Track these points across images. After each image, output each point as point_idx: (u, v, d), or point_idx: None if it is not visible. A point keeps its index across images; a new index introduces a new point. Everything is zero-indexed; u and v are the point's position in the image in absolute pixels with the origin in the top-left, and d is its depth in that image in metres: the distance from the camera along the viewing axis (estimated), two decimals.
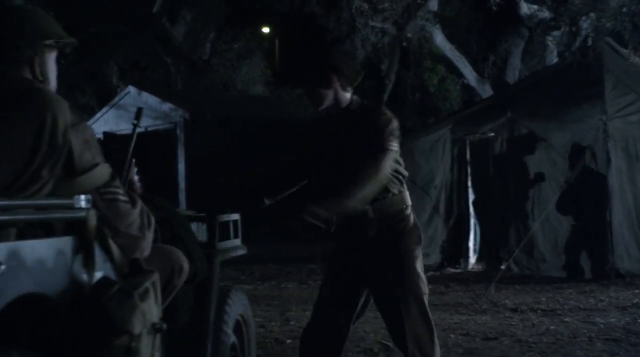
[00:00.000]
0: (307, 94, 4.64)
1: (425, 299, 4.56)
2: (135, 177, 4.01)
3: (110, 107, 20.56)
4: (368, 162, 4.37)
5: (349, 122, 4.57)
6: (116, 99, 20.90)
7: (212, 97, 22.48)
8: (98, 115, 20.74)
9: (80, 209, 2.83)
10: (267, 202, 4.61)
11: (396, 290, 4.50)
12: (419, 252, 4.61)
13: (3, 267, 2.37)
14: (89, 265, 2.83)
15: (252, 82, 27.02)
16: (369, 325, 8.22)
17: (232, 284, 4.95)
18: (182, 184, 19.14)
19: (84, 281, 2.81)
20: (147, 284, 2.86)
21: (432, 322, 4.58)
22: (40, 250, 2.62)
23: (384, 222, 4.55)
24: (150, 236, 3.23)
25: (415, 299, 4.51)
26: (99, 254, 2.91)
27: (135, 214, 3.17)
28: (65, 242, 2.77)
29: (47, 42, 3.16)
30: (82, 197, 2.84)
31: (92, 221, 2.85)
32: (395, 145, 4.47)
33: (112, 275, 2.96)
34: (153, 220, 3.27)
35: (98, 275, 2.88)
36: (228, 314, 4.53)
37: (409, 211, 4.65)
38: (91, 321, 2.69)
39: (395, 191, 4.58)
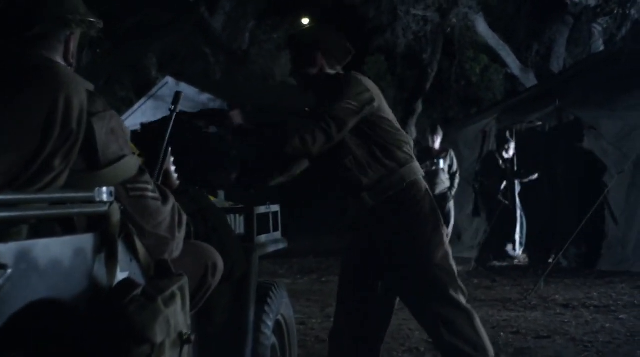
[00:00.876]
0: (294, 77, 4.43)
1: (454, 293, 4.13)
2: (172, 168, 3.71)
3: (148, 98, 20.37)
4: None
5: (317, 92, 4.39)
6: (154, 89, 20.71)
7: (251, 88, 22.21)
8: (136, 106, 20.57)
9: (102, 203, 2.53)
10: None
11: (419, 290, 4.15)
12: (440, 240, 4.16)
13: (9, 270, 2.06)
14: (111, 265, 2.53)
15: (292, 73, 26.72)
16: (414, 322, 7.89)
17: (273, 280, 4.60)
18: None
19: (105, 282, 2.51)
20: (174, 288, 2.55)
21: (468, 308, 4.18)
22: (56, 249, 2.32)
23: (391, 208, 4.15)
24: (181, 236, 2.92)
25: (438, 294, 4.12)
26: (122, 253, 2.61)
27: (165, 213, 2.86)
28: (85, 240, 2.48)
29: (77, 19, 2.86)
30: (104, 189, 2.54)
31: (115, 216, 2.55)
32: (340, 107, 4.15)
33: (137, 276, 2.66)
34: (185, 218, 2.96)
35: (122, 276, 2.58)
36: (268, 314, 4.22)
37: (418, 188, 4.22)
38: (109, 326, 2.38)
39: (388, 167, 4.18)
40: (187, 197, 3.64)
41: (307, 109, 4.34)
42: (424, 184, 4.27)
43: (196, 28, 24.25)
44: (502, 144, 12.95)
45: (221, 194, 4.83)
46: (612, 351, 6.85)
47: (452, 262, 4.21)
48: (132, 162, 2.78)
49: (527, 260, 12.92)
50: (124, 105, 22.96)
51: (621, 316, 8.35)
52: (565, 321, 8.20)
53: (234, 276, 3.83)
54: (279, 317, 4.49)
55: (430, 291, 4.12)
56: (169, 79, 20.75)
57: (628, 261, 11.40)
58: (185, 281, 2.63)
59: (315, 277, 12.26)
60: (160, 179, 3.48)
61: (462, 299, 4.15)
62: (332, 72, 4.36)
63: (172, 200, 2.90)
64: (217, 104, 19.41)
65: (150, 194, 2.81)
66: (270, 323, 4.22)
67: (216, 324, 3.80)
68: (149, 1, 22.57)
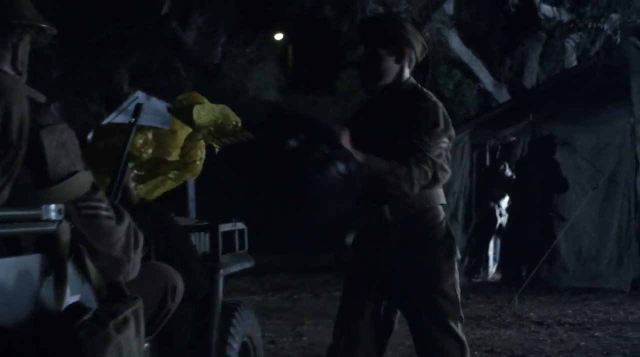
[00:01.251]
0: (371, 66, 4.06)
1: (454, 323, 3.98)
2: (132, 183, 3.54)
3: (119, 113, 20.11)
4: (401, 163, 3.84)
5: (396, 104, 4.04)
6: (124, 104, 20.42)
7: (223, 102, 22.01)
8: (105, 121, 20.28)
9: (50, 221, 2.35)
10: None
11: (420, 314, 3.98)
12: (450, 268, 4.00)
13: None
14: (60, 288, 2.35)
15: (265, 87, 26.59)
16: None
17: (239, 301, 4.43)
18: (191, 193, 18.66)
19: (54, 306, 2.33)
20: (128, 312, 2.37)
21: (463, 340, 4.03)
22: (0, 271, 2.15)
23: (406, 227, 3.98)
24: (137, 257, 2.74)
25: (440, 324, 3.97)
26: (73, 275, 2.43)
27: (120, 232, 2.68)
28: (32, 261, 2.31)
29: (23, 23, 2.68)
30: (53, 207, 2.37)
31: (65, 235, 2.38)
32: (434, 146, 3.90)
33: (89, 300, 2.48)
34: (142, 238, 2.78)
35: (72, 300, 2.40)
36: (233, 336, 4.05)
37: (437, 213, 4.05)
38: (57, 353, 2.20)
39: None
40: (148, 214, 3.47)
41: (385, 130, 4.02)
42: (443, 212, 4.13)
43: (168, 42, 24.07)
44: (500, 162, 12.91)
45: (192, 211, 4.72)
46: None
47: (458, 291, 4.07)
48: (84, 179, 2.61)
49: (500, 276, 12.80)
50: (94, 119, 22.68)
51: (596, 334, 8.25)
52: (540, 339, 8.08)
53: (197, 297, 3.66)
54: (245, 338, 4.31)
55: (432, 317, 3.98)
56: (140, 94, 20.45)
57: (602, 277, 11.32)
58: (139, 304, 2.45)
59: (286, 295, 12.09)
60: (120, 194, 3.30)
61: (460, 330, 4.03)
62: (411, 79, 4.14)
63: (127, 219, 2.73)
64: None
65: (103, 212, 2.63)
66: (235, 345, 4.05)
67: (178, 347, 3.62)
68: (119, 15, 22.36)
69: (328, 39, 23.78)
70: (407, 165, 3.82)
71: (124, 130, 3.89)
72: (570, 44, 18.71)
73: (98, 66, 23.29)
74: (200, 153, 4.81)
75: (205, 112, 4.60)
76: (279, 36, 29.91)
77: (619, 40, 13.68)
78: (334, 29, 22.22)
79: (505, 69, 21.68)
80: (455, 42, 20.28)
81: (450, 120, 4.04)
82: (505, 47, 22.67)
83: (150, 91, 20.86)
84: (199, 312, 3.81)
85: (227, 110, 4.72)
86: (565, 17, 18.14)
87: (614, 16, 15.63)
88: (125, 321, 2.36)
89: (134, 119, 3.55)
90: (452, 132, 4.03)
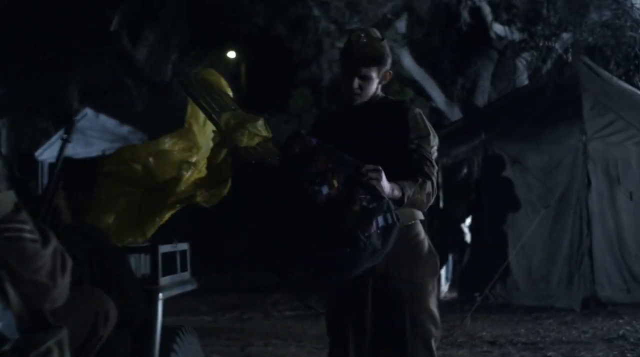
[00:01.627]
0: (363, 85, 3.98)
1: (434, 343, 3.89)
2: (63, 203, 3.36)
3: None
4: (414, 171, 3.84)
5: (377, 116, 4.00)
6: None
7: (173, 119, 21.81)
8: (53, 138, 20.00)
9: None
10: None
11: (402, 332, 3.84)
12: (433, 286, 3.94)
13: None
14: None
15: None
16: None
17: (180, 325, 4.24)
18: None
19: None
20: (51, 343, 2.21)
21: None
22: None
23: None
24: (64, 282, 2.56)
25: (423, 344, 3.85)
26: None
27: (45, 256, 2.49)
28: None
29: None
30: None
31: None
32: (431, 147, 3.96)
33: (9, 329, 2.30)
34: (70, 262, 2.60)
35: None
36: None
37: (419, 229, 3.97)
38: None
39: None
40: (81, 235, 3.29)
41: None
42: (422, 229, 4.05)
43: (118, 59, 23.83)
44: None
45: None
46: None
47: (437, 309, 3.98)
48: (5, 199, 2.43)
49: (453, 295, 12.70)
50: (43, 136, 22.37)
51: (549, 354, 8.18)
52: None
53: (135, 322, 3.48)
54: None
55: (416, 337, 3.86)
56: (88, 111, 20.25)
57: (552, 296, 11.27)
58: (64, 334, 2.28)
59: (236, 314, 11.91)
60: (49, 214, 3.12)
61: (435, 349, 3.93)
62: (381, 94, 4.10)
63: (53, 242, 2.55)
64: (137, 136, 18.99)
65: (27, 235, 2.45)
66: None
67: None
68: (69, 32, 22.10)
69: (281, 57, 23.69)
70: (428, 178, 3.85)
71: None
72: (522, 62, 18.78)
73: (47, 83, 23.00)
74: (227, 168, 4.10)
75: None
76: (231, 54, 29.76)
77: (570, 59, 13.74)
78: (287, 47, 22.14)
79: (457, 88, 21.73)
80: (407, 61, 20.27)
81: None
82: (457, 66, 22.72)
83: (98, 108, 20.63)
84: (137, 337, 3.62)
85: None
86: (517, 36, 18.19)
87: (566, 35, 15.69)
88: (48, 352, 2.19)
89: (66, 136, 3.37)
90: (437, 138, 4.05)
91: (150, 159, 4.25)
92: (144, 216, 3.98)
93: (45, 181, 19.55)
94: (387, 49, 4.07)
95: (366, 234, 3.50)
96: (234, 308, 12.47)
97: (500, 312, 10.93)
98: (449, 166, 12.84)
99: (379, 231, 3.54)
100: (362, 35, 4.01)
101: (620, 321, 9.92)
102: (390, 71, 4.07)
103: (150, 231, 4.05)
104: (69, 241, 2.92)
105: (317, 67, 21.71)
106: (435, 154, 4.00)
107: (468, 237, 12.85)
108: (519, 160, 11.74)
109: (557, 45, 16.03)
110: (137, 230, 3.96)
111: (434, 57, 23.02)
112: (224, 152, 4.00)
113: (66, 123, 3.49)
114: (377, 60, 3.99)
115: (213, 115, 4.02)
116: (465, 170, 12.76)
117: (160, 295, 3.83)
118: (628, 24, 14.39)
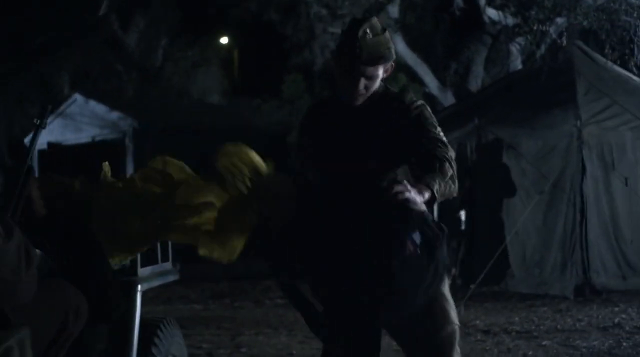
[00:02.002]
0: (367, 84, 3.69)
1: (457, 332, 3.72)
2: (37, 193, 3.18)
3: (56, 117, 19.67)
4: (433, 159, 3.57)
5: (381, 109, 3.75)
6: (62, 107, 20.00)
7: (164, 106, 21.63)
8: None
9: None
10: None
11: (425, 323, 3.64)
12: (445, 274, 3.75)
13: None
14: None
15: (209, 91, 26.23)
16: None
17: (162, 317, 4.08)
18: None
19: None
20: (12, 342, 2.05)
21: None
22: None
23: None
24: (30, 277, 2.40)
25: (448, 333, 3.67)
26: None
27: (8, 251, 2.34)
28: None
29: None
30: None
31: None
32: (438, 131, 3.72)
33: None
34: (36, 256, 2.44)
35: None
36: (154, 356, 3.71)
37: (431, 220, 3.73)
38: None
39: None
40: (56, 227, 3.12)
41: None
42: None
43: (108, 45, 23.65)
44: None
45: None
46: None
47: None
48: None
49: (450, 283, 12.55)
50: (33, 123, 22.18)
51: (544, 342, 8.03)
52: (487, 348, 7.84)
53: (113, 315, 3.32)
54: None
55: (440, 329, 3.68)
56: (78, 97, 20.10)
57: (546, 283, 11.14)
58: (26, 332, 2.12)
59: (227, 302, 11.79)
60: (21, 206, 2.95)
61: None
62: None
63: (17, 235, 2.39)
64: (127, 122, 18.82)
65: None
66: None
67: None
68: (59, 18, 21.90)
69: (272, 42, 23.52)
70: (445, 159, 3.58)
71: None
72: (515, 47, 18.64)
73: (37, 69, 22.84)
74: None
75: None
76: (223, 40, 29.57)
77: (564, 43, 13.60)
78: (279, 33, 21.96)
79: (450, 73, 21.59)
80: (400, 46, 20.06)
81: None
82: (450, 51, 22.58)
83: (90, 94, 20.47)
84: (115, 332, 3.46)
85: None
86: (511, 20, 18.03)
87: (560, 19, 15.53)
88: (8, 351, 2.04)
89: (39, 121, 3.20)
90: None
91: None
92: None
93: (36, 167, 19.40)
94: (391, 41, 3.79)
95: (400, 258, 3.32)
96: (225, 296, 12.35)
97: (495, 300, 10.80)
98: None
99: (419, 251, 3.36)
100: (367, 31, 3.65)
101: (616, 308, 9.80)
102: (393, 63, 3.80)
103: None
104: (43, 234, 2.77)
105: (309, 52, 21.56)
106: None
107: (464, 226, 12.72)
108: (512, 145, 11.60)
109: (551, 30, 15.87)
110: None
111: (426, 42, 22.89)
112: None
113: (41, 108, 3.30)
114: (385, 58, 3.71)
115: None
116: (458, 156, 12.59)
117: (139, 287, 3.68)
118: (623, 7, 14.25)
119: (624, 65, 13.55)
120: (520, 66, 17.74)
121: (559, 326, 8.91)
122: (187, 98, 25.00)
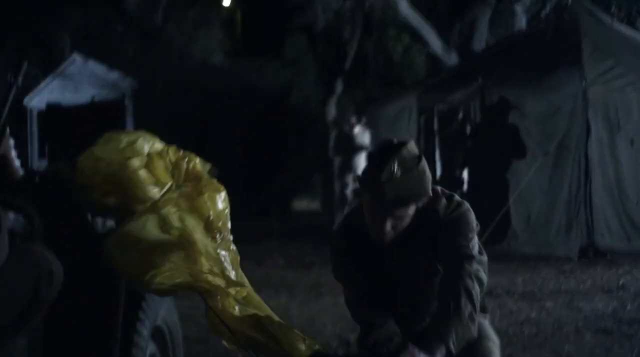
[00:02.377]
0: (392, 223, 3.24)
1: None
2: (13, 153, 3.03)
3: (55, 77, 19.48)
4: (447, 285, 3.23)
5: (403, 241, 3.31)
6: (61, 67, 19.80)
7: (164, 66, 21.38)
8: (42, 85, 19.62)
9: None
10: None
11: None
12: None
13: None
14: None
15: (211, 51, 26.00)
16: (327, 314, 7.36)
17: None
18: None
19: None
20: None
21: None
22: None
23: None
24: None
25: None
26: None
27: None
28: None
29: None
30: None
31: None
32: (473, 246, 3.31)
33: None
34: (6, 221, 2.30)
35: None
36: (142, 321, 3.57)
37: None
38: None
39: None
40: (34, 188, 2.98)
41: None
42: None
43: (108, 4, 23.40)
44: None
45: None
46: (539, 345, 6.42)
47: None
48: None
49: None
50: (32, 84, 22.02)
51: (547, 304, 7.94)
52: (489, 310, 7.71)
53: (96, 280, 3.19)
54: (160, 322, 3.84)
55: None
56: (77, 57, 19.87)
57: (550, 244, 11.02)
58: None
59: None
60: None
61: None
62: None
63: None
64: (126, 82, 18.62)
65: None
66: (145, 332, 3.57)
67: (74, 338, 3.15)
68: None
69: (275, 3, 23.31)
70: (463, 294, 3.17)
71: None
72: (520, 7, 18.42)
73: (36, 28, 22.63)
74: None
75: None
76: (226, 1, 29.30)
77: (569, 2, 13.38)
78: None
79: (454, 34, 21.38)
80: (404, 6, 19.89)
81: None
82: (454, 12, 22.35)
83: (87, 54, 20.24)
84: (101, 295, 3.31)
85: None
86: None
87: None
88: None
89: (13, 78, 3.05)
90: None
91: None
92: None
93: (35, 128, 19.23)
94: (427, 171, 3.26)
95: None
96: None
97: (498, 261, 10.60)
98: (445, 112, 12.56)
99: None
100: (395, 169, 3.15)
101: (620, 270, 9.69)
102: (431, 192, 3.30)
103: None
104: (20, 196, 2.64)
105: (311, 12, 21.35)
106: (475, 248, 3.35)
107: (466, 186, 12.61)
108: (517, 106, 11.42)
109: None
110: None
111: (430, 2, 22.68)
112: None
113: (15, 66, 3.14)
114: (418, 196, 3.24)
115: None
116: (461, 117, 12.46)
117: None
118: None
119: (631, 24, 13.35)
120: (524, 26, 17.54)
121: (562, 288, 8.82)
122: (188, 59, 24.79)
